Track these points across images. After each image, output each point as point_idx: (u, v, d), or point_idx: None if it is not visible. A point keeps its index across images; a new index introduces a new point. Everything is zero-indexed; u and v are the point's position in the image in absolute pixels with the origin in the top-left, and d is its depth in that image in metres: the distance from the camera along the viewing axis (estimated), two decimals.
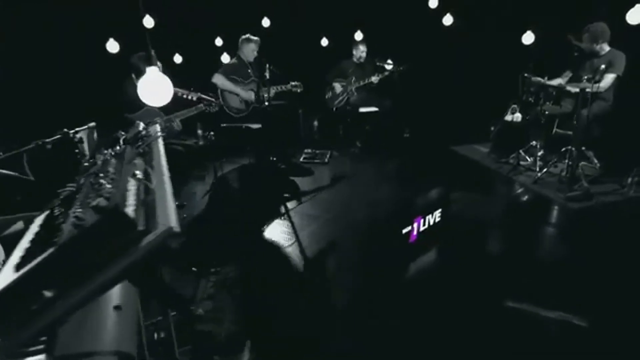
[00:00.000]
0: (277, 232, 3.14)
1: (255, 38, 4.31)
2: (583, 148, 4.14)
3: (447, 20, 5.16)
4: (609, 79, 3.76)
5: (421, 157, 4.91)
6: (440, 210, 2.93)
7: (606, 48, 3.84)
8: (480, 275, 2.56)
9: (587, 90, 3.53)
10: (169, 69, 5.54)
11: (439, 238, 2.93)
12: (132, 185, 1.13)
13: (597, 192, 3.65)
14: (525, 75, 4.13)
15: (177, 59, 5.86)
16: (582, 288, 2.40)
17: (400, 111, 5.62)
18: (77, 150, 2.29)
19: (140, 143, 1.47)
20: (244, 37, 4.30)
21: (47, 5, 4.16)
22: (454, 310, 2.24)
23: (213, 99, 3.21)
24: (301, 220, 3.31)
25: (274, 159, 4.64)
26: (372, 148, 5.18)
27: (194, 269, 2.65)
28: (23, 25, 4.13)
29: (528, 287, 2.41)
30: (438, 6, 5.13)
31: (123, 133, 1.68)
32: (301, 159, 4.70)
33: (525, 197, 3.71)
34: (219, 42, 6.17)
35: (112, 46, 4.25)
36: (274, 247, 2.93)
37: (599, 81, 3.78)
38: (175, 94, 3.16)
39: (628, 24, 3.61)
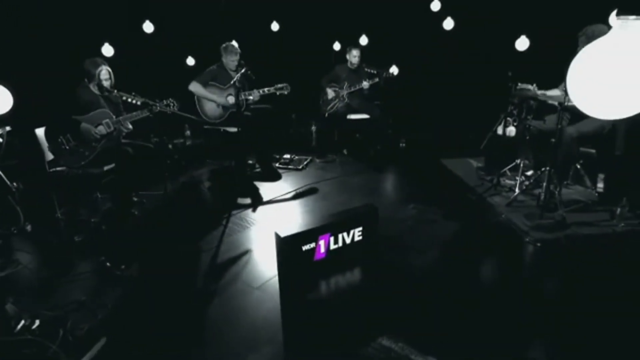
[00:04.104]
0: (205, 235, 3.16)
1: (234, 46, 4.32)
2: (579, 168, 3.63)
3: (448, 24, 4.79)
4: None
5: (403, 170, 4.63)
6: (361, 228, 2.75)
7: None
8: (381, 304, 2.37)
9: (567, 103, 3.07)
10: (184, 70, 5.84)
11: (362, 257, 2.76)
12: None
13: (580, 221, 3.17)
14: (519, 84, 3.70)
15: (190, 61, 6.13)
16: (485, 336, 2.11)
17: (397, 120, 5.38)
18: None
19: None
20: (224, 45, 4.31)
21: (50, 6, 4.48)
22: (319, 341, 2.10)
23: (156, 104, 3.30)
24: (233, 226, 3.30)
25: (252, 162, 4.68)
26: (360, 157, 5.01)
27: (107, 264, 2.77)
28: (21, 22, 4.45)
29: (424, 325, 2.18)
30: (440, 10, 4.79)
31: None
32: (277, 164, 4.67)
33: (486, 221, 3.32)
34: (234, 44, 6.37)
35: (107, 50, 4.58)
36: (191, 252, 2.96)
37: None
38: (120, 98, 3.35)
39: None
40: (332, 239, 2.64)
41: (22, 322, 2.16)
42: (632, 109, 1.04)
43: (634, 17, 0.87)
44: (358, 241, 2.76)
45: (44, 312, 2.29)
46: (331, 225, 2.63)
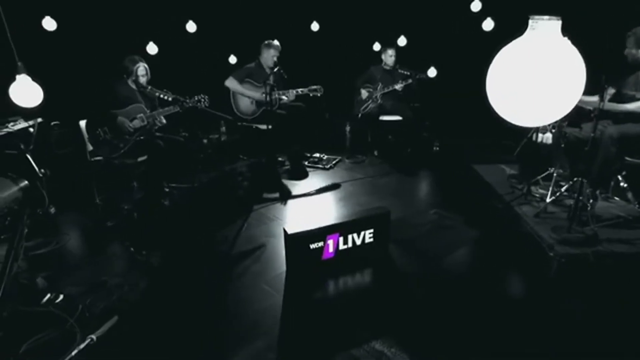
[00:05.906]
0: (225, 228, 3.28)
1: (276, 43, 4.38)
2: (620, 179, 3.36)
3: (488, 25, 4.60)
4: None
5: (432, 174, 4.52)
6: (372, 230, 2.74)
7: None
8: (384, 307, 2.35)
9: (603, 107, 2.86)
10: (224, 68, 6.08)
11: (370, 260, 2.75)
12: None
13: (613, 238, 2.94)
14: None
15: (232, 59, 6.34)
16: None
17: (433, 122, 5.25)
18: None
19: None
20: (265, 42, 4.40)
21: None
22: (313, 339, 2.12)
23: (186, 100, 3.46)
24: (253, 221, 3.40)
25: (282, 159, 4.77)
26: (391, 159, 4.95)
27: (131, 248, 2.97)
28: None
29: (427, 332, 2.15)
30: (480, 10, 4.62)
31: None
32: (306, 163, 4.72)
33: (509, 231, 3.17)
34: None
35: (152, 48, 4.86)
36: (209, 243, 3.09)
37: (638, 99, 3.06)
38: (153, 93, 3.54)
39: None
40: (341, 239, 2.65)
41: (48, 295, 2.38)
42: (550, 116, 0.97)
43: (547, 17, 0.82)
44: (369, 243, 2.75)
45: (69, 288, 2.50)
46: (340, 226, 2.64)
